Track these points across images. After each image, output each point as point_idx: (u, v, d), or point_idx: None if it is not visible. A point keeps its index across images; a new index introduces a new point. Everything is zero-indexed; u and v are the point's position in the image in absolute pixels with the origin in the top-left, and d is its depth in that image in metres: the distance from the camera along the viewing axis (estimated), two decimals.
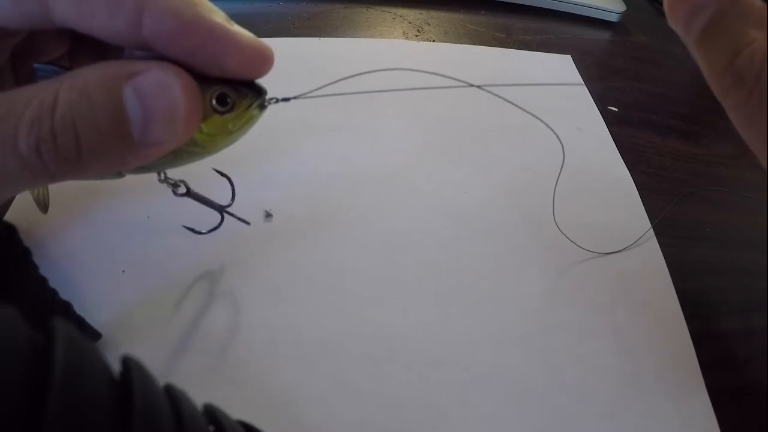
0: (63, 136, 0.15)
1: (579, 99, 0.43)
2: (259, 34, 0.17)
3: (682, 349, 0.27)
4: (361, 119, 0.37)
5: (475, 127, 0.38)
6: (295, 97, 0.19)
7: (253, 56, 0.17)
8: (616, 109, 0.43)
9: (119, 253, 0.27)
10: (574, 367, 0.26)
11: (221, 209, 0.25)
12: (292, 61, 0.40)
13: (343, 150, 0.35)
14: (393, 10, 0.51)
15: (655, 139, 0.40)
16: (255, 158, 0.33)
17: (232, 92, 0.17)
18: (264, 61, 0.17)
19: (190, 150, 0.18)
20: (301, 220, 0.30)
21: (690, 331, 0.27)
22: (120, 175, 0.19)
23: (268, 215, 0.30)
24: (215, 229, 0.25)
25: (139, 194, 0.30)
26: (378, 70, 0.19)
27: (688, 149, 0.40)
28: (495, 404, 0.24)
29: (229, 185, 0.26)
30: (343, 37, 0.46)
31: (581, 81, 0.44)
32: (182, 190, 0.23)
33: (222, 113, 0.17)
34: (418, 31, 0.48)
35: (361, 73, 0.19)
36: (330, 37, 0.45)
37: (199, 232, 0.26)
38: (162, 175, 0.22)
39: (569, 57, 0.48)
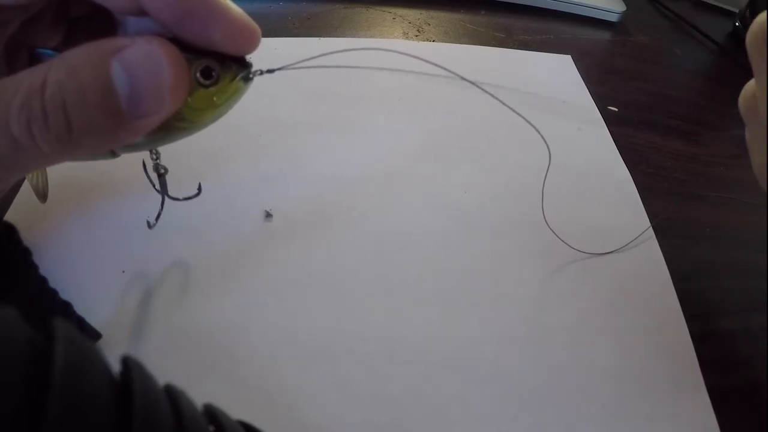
0: (53, 115, 0.15)
1: (579, 99, 0.43)
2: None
3: (682, 349, 0.27)
4: (360, 119, 0.37)
5: (476, 126, 0.38)
6: (279, 68, 0.19)
7: (239, 31, 0.17)
8: (616, 109, 0.43)
9: (119, 253, 0.27)
10: (574, 367, 0.26)
11: (165, 195, 0.25)
12: (292, 61, 0.40)
13: (342, 150, 0.35)
14: (393, 10, 0.51)
15: (655, 139, 0.40)
16: (255, 158, 0.33)
17: (216, 65, 0.17)
18: (250, 37, 0.17)
19: (178, 125, 0.18)
20: (301, 220, 0.30)
21: (690, 331, 0.27)
22: (114, 154, 0.19)
23: (268, 215, 0.30)
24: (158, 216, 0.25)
25: (139, 194, 0.30)
26: (364, 49, 0.19)
27: (688, 149, 0.40)
28: (495, 404, 0.24)
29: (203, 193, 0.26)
30: (343, 37, 0.46)
31: (581, 81, 0.44)
32: (162, 171, 0.24)
33: (207, 86, 0.17)
34: (418, 31, 0.48)
35: (349, 50, 0.20)
36: (330, 37, 0.45)
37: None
38: (154, 154, 0.22)
39: (569, 57, 0.48)
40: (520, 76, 0.44)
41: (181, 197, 0.25)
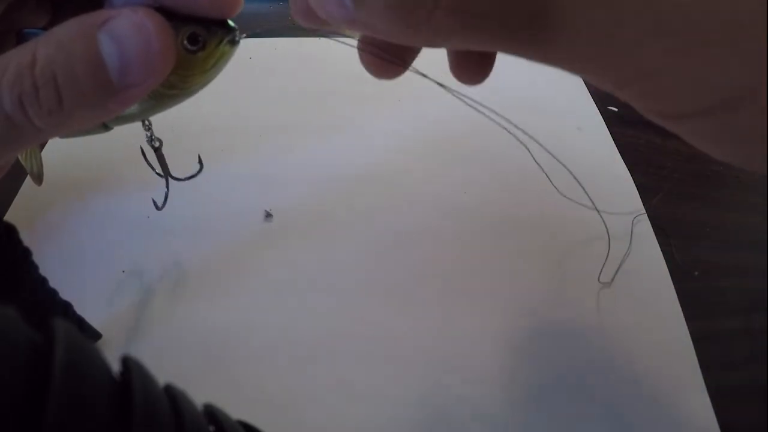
0: (44, 89, 0.15)
1: (579, 99, 0.43)
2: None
3: (682, 349, 0.27)
4: (360, 119, 0.37)
5: (475, 127, 0.38)
6: (264, 30, 0.20)
7: None
8: (616, 109, 0.43)
9: (119, 253, 0.27)
10: (574, 367, 0.26)
11: (168, 176, 0.25)
12: (293, 61, 0.40)
13: (342, 150, 0.35)
14: None
15: (655, 139, 0.40)
16: (255, 158, 0.33)
17: (202, 31, 0.17)
18: (232, 0, 0.18)
19: (168, 93, 0.18)
20: (301, 220, 0.30)
21: (690, 331, 0.27)
22: (106, 128, 0.19)
23: (268, 215, 0.30)
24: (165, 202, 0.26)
25: (139, 194, 0.30)
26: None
27: (688, 149, 0.40)
28: (495, 404, 0.24)
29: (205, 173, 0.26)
30: (344, 37, 0.45)
31: (581, 81, 0.44)
32: (156, 144, 0.24)
33: (194, 52, 0.18)
34: None
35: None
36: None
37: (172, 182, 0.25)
38: (146, 122, 0.22)
39: None
40: (520, 77, 0.44)
41: (182, 177, 0.25)
